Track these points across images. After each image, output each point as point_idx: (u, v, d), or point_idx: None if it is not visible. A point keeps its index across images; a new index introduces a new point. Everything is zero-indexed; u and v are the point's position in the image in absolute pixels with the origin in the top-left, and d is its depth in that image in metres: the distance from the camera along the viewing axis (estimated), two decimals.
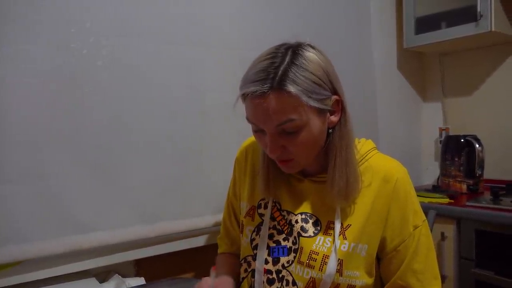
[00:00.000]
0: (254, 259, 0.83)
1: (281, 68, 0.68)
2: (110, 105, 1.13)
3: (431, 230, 1.19)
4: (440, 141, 2.02)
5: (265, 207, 0.86)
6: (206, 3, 1.30)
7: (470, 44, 1.90)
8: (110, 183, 1.13)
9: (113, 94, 1.13)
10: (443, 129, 2.09)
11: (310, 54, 0.72)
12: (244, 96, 0.71)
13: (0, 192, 0.97)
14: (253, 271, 0.83)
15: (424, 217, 0.83)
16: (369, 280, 0.80)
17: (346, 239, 0.78)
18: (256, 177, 0.88)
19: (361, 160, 0.82)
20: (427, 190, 1.83)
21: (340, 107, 0.76)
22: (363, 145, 0.85)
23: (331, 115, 0.76)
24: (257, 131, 0.75)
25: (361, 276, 0.79)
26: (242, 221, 0.90)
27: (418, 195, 1.79)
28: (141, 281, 1.20)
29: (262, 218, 0.85)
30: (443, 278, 1.57)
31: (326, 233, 0.80)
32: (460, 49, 2.03)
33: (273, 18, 1.47)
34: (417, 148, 2.22)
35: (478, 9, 1.65)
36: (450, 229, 1.55)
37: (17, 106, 0.99)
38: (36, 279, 1.04)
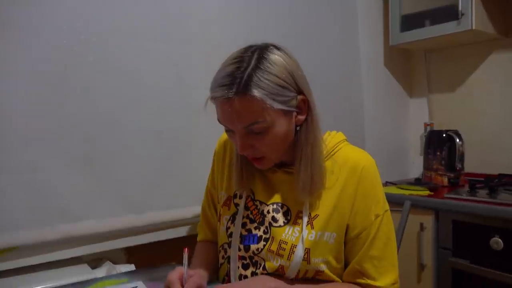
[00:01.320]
0: (230, 247, 0.88)
1: (246, 73, 0.72)
2: (100, 100, 1.18)
3: (406, 220, 1.25)
4: (425, 136, 2.08)
5: (240, 197, 0.91)
6: (193, 0, 1.35)
7: (453, 41, 1.96)
8: (100, 175, 1.19)
9: (103, 90, 1.18)
10: (428, 124, 2.15)
11: (275, 56, 0.75)
12: (214, 99, 0.76)
13: None
14: (229, 257, 0.88)
15: (387, 207, 0.86)
16: (337, 265, 0.85)
17: (313, 228, 0.82)
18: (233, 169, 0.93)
19: (330, 153, 0.86)
20: (409, 183, 1.89)
21: (306, 106, 0.80)
22: (332, 138, 0.89)
23: (298, 114, 0.80)
24: (228, 131, 0.81)
25: (329, 262, 0.84)
26: (220, 210, 0.95)
27: (400, 188, 1.86)
28: (131, 267, 1.25)
29: (237, 207, 0.90)
30: (422, 266, 1.64)
31: (295, 222, 0.84)
32: (444, 46, 2.08)
33: (260, 16, 1.51)
34: (404, 143, 2.28)
35: (460, 8, 1.70)
36: (429, 220, 1.61)
37: (10, 100, 1.04)
38: (30, 264, 1.10)
